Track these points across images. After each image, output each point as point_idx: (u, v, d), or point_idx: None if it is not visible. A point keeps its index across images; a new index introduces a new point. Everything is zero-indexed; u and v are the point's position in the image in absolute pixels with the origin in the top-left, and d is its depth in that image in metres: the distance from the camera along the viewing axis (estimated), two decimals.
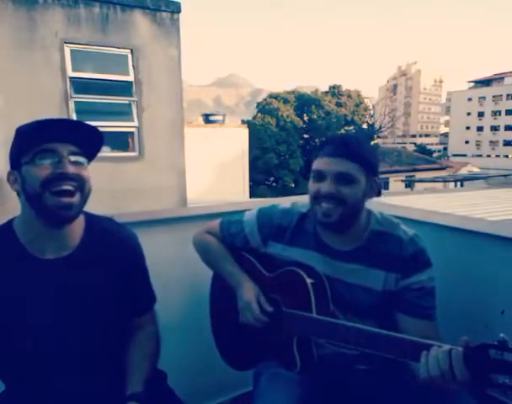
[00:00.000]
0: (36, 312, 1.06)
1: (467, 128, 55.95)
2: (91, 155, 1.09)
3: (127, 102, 6.35)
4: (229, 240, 1.45)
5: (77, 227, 1.12)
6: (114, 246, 1.17)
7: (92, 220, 1.17)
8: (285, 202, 1.42)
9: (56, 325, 1.08)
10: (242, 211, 1.48)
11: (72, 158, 1.02)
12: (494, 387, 0.85)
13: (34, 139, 1.01)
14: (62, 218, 1.03)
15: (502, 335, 0.85)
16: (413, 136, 74.62)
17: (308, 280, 1.22)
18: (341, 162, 1.17)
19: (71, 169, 1.01)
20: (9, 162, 1.06)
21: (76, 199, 1.02)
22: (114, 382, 1.14)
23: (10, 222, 1.10)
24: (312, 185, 1.23)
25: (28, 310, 1.06)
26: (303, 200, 1.39)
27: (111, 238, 1.18)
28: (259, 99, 25.63)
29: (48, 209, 1.00)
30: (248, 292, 1.31)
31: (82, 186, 1.03)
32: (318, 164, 1.21)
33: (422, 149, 44.66)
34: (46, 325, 1.07)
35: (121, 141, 6.54)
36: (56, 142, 1.01)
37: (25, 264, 1.07)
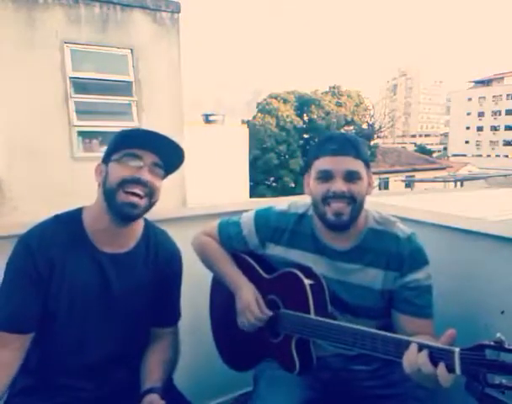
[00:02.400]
0: (83, 298, 1.14)
1: (467, 128, 55.89)
2: (169, 170, 1.21)
3: (127, 102, 6.34)
4: (227, 242, 1.45)
5: (137, 231, 1.23)
6: (162, 257, 1.27)
7: (149, 228, 1.28)
8: (282, 203, 1.42)
9: (94, 314, 1.16)
10: (242, 211, 1.48)
11: (153, 168, 1.14)
12: (491, 387, 0.85)
13: (130, 142, 1.13)
14: (126, 215, 1.13)
15: (498, 335, 0.85)
16: (413, 136, 74.60)
17: (306, 282, 1.22)
18: (348, 160, 1.17)
19: (147, 176, 1.12)
20: (103, 156, 1.18)
21: (143, 201, 1.13)
22: (132, 378, 1.21)
23: (80, 210, 1.20)
24: (317, 186, 1.20)
25: (77, 295, 1.14)
26: (300, 201, 1.39)
27: (161, 250, 1.28)
28: (259, 99, 25.56)
29: (117, 205, 1.11)
30: (247, 294, 1.32)
31: (151, 193, 1.14)
32: (324, 163, 1.19)
33: (422, 149, 44.65)
34: (87, 312, 1.15)
35: None
36: (145, 150, 1.13)
37: (86, 251, 1.16)
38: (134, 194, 1.11)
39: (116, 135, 1.17)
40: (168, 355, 1.28)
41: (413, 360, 0.95)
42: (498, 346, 0.84)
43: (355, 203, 1.18)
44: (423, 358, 0.94)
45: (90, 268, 1.16)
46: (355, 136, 1.24)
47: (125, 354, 1.23)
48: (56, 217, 1.18)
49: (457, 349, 0.90)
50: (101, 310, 1.17)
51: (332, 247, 1.27)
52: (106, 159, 1.16)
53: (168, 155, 1.17)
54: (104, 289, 1.17)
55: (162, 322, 1.31)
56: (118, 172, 1.12)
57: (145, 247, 1.25)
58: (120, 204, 1.10)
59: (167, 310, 1.31)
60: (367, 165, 1.23)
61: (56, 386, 1.16)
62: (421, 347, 0.96)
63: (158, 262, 1.26)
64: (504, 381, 0.84)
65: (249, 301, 1.30)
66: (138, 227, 1.24)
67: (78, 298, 1.14)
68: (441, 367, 0.91)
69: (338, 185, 1.16)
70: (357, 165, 1.18)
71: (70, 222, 1.17)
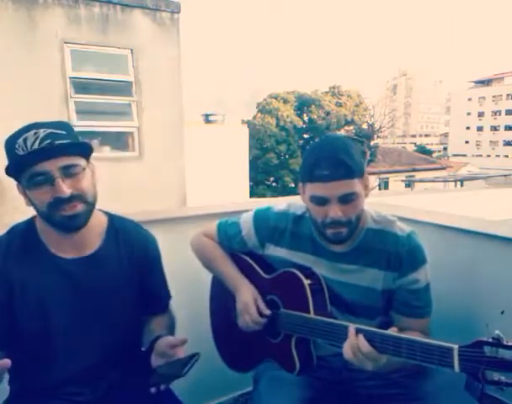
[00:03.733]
0: (56, 310, 1.09)
1: (467, 128, 55.86)
2: (86, 153, 1.07)
3: (127, 102, 6.34)
4: (226, 242, 1.45)
5: (98, 228, 1.16)
6: (137, 247, 1.21)
7: (114, 220, 1.21)
8: (281, 203, 1.42)
9: (73, 323, 1.11)
10: (242, 211, 1.48)
11: (65, 172, 1.01)
12: (490, 384, 0.85)
13: (26, 161, 0.99)
14: (72, 228, 1.05)
15: (497, 332, 0.85)
16: (413, 136, 74.56)
17: (306, 281, 1.22)
18: (343, 184, 1.11)
19: (67, 190, 1.00)
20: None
21: (80, 208, 1.03)
22: (128, 378, 1.18)
23: (33, 219, 1.13)
24: (314, 208, 1.18)
25: (48, 307, 1.08)
26: (299, 201, 1.38)
27: (133, 240, 1.21)
28: (259, 99, 25.57)
29: (57, 223, 1.04)
30: (246, 295, 1.31)
31: (83, 198, 1.04)
32: (317, 190, 1.14)
33: (422, 149, 44.61)
34: (64, 322, 1.10)
35: (121, 141, 6.53)
36: (45, 161, 0.98)
37: (46, 262, 1.09)
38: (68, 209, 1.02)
39: (7, 152, 1.03)
40: (165, 323, 1.25)
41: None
42: (497, 343, 0.85)
43: (351, 222, 1.16)
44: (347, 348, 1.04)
45: (56, 278, 1.09)
46: (347, 148, 1.13)
47: (117, 353, 1.20)
48: (9, 231, 1.12)
49: (456, 346, 0.90)
50: (80, 318, 1.12)
51: (330, 249, 1.27)
52: (17, 180, 1.05)
53: (70, 142, 1.03)
54: (77, 296, 1.11)
55: (152, 310, 1.27)
56: (37, 199, 1.02)
57: (114, 242, 1.18)
58: (60, 222, 1.03)
59: (154, 297, 1.27)
60: (362, 173, 1.16)
61: (51, 393, 1.14)
62: (419, 345, 0.96)
63: (132, 252, 1.20)
64: (502, 378, 0.84)
65: (247, 303, 1.29)
66: (99, 224, 1.16)
67: (51, 311, 1.09)
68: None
69: (334, 211, 1.12)
70: (352, 185, 1.12)
71: (24, 234, 1.10)
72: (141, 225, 1.29)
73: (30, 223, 1.13)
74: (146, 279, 1.23)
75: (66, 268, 1.10)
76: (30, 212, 1.14)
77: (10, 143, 1.02)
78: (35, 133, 1.00)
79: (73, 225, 1.04)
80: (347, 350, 1.05)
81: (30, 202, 1.05)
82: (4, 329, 1.07)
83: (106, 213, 1.21)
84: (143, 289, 1.22)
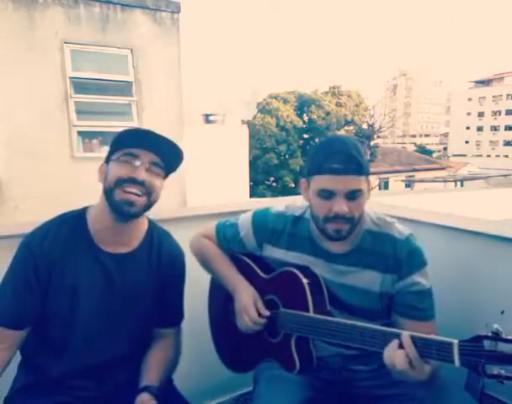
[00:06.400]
0: (85, 299, 1.15)
1: (467, 128, 55.86)
2: (169, 170, 1.21)
3: (127, 102, 6.34)
4: (225, 243, 1.45)
5: (140, 230, 1.24)
6: (165, 258, 1.27)
7: (153, 228, 1.28)
8: (279, 204, 1.42)
9: (97, 315, 1.16)
10: (242, 211, 1.48)
11: (151, 167, 1.14)
12: (490, 378, 0.86)
13: (129, 141, 1.13)
14: (125, 212, 1.12)
15: (496, 326, 0.86)
16: (413, 136, 74.52)
17: (304, 280, 1.22)
18: (351, 179, 1.13)
19: (143, 176, 1.12)
20: (106, 156, 1.18)
21: (141, 200, 1.13)
22: (134, 378, 1.21)
23: (84, 210, 1.21)
24: (318, 202, 1.17)
25: (79, 295, 1.14)
26: (297, 202, 1.39)
27: (164, 250, 1.28)
28: (259, 99, 25.55)
29: (115, 203, 1.12)
30: (246, 296, 1.31)
31: (149, 192, 1.14)
32: (326, 182, 1.14)
33: (422, 149, 44.62)
34: (89, 313, 1.15)
35: None
36: (143, 149, 1.13)
37: (88, 251, 1.16)
38: (131, 192, 1.11)
39: (116, 134, 1.18)
40: (168, 354, 1.28)
41: (391, 356, 0.99)
42: (496, 336, 0.86)
43: (353, 220, 1.17)
44: (399, 358, 0.97)
45: (93, 268, 1.16)
46: (357, 146, 1.16)
47: (127, 355, 1.23)
48: (60, 217, 1.19)
49: (456, 341, 0.91)
50: (105, 311, 1.17)
51: (329, 249, 1.27)
52: (107, 159, 1.17)
53: (167, 154, 1.17)
54: (108, 290, 1.17)
55: (165, 323, 1.31)
56: (115, 171, 1.12)
57: (148, 248, 1.25)
58: (118, 202, 1.11)
59: (170, 311, 1.31)
60: (368, 172, 1.18)
61: (57, 385, 1.16)
62: (419, 340, 0.97)
63: (161, 262, 1.26)
64: (502, 372, 0.85)
65: (247, 304, 1.29)
66: (141, 227, 1.24)
67: (81, 299, 1.14)
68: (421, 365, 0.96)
69: (340, 206, 1.13)
70: (359, 182, 1.14)
71: (74, 222, 1.18)
72: (174, 238, 1.34)
73: (81, 213, 1.20)
74: (167, 290, 1.28)
75: (103, 260, 1.17)
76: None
77: (127, 129, 1.17)
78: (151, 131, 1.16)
79: (127, 210, 1.12)
80: (401, 360, 0.97)
81: (104, 177, 1.15)
82: (35, 308, 1.12)
83: (148, 219, 1.28)
84: (161, 299, 1.27)
